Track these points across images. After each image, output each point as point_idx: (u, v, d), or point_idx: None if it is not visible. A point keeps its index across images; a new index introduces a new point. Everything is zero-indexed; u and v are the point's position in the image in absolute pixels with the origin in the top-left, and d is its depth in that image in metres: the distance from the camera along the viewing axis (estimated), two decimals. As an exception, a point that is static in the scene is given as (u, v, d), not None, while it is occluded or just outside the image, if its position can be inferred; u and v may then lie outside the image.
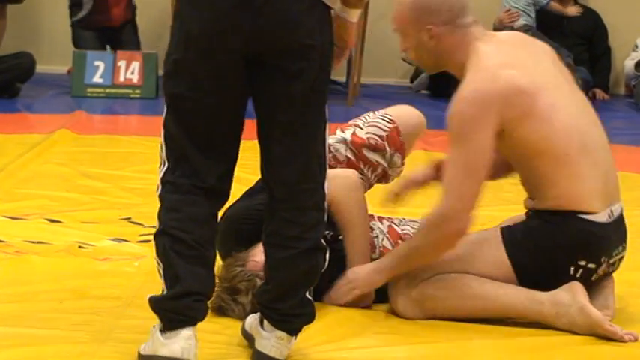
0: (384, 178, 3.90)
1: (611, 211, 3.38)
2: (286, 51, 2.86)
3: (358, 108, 7.68)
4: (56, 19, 8.34)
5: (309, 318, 3.00)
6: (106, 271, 3.75)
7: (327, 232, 3.28)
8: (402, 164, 3.96)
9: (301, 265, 2.95)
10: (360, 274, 3.48)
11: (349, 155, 3.69)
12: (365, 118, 3.90)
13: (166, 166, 2.91)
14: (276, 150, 2.95)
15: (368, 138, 3.76)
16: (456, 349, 3.22)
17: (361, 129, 3.67)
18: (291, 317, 2.98)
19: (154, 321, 2.84)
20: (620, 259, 3.47)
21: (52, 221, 4.36)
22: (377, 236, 3.81)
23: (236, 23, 2.81)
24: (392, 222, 3.93)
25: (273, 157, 2.97)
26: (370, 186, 3.96)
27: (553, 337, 3.26)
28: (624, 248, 3.46)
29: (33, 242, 4.07)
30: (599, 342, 3.20)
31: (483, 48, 3.40)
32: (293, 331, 2.97)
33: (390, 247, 3.79)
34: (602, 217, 3.34)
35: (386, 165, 3.86)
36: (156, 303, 2.85)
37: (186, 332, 2.81)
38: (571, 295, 3.27)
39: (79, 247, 4.02)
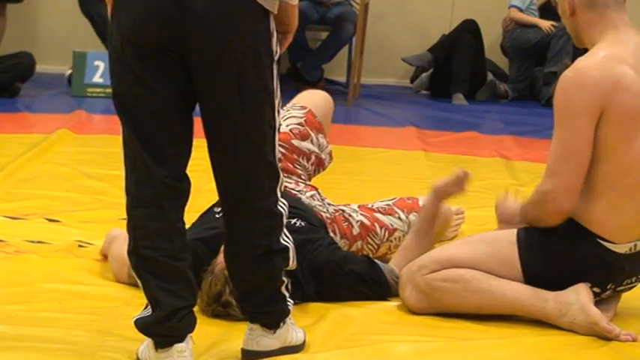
0: (320, 165, 3.99)
1: (635, 245, 3.36)
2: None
3: (358, 109, 7.78)
4: (56, 19, 8.36)
5: (281, 314, 3.02)
6: (105, 270, 3.75)
7: (295, 221, 3.39)
8: (328, 143, 4.05)
9: (257, 270, 2.97)
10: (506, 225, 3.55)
11: (282, 151, 3.68)
12: None
13: (124, 172, 2.91)
14: (218, 156, 2.97)
15: (291, 129, 3.84)
16: (457, 348, 3.22)
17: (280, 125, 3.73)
18: (259, 314, 3.01)
19: (152, 322, 2.91)
20: (631, 288, 3.47)
21: (52, 221, 4.37)
22: (350, 215, 3.87)
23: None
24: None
25: (216, 163, 2.97)
26: (310, 177, 4.03)
27: (555, 337, 3.27)
28: (639, 280, 3.46)
29: (32, 242, 4.07)
30: (600, 343, 3.21)
31: (610, 37, 3.33)
32: (269, 325, 3.00)
33: (366, 221, 3.86)
34: (621, 249, 3.33)
35: (316, 150, 3.95)
36: (142, 329, 2.88)
37: (178, 346, 2.85)
38: (575, 295, 3.28)
39: (79, 246, 4.02)
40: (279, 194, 2.96)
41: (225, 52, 2.81)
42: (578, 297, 3.27)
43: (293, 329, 3.07)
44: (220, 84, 2.85)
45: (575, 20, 3.39)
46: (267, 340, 3.00)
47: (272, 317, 3.01)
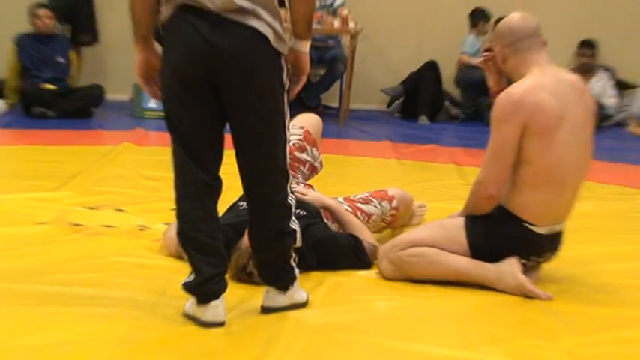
0: (313, 171, 3.94)
1: (553, 228, 3.36)
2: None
3: (347, 127, 7.69)
4: (120, 58, 8.27)
5: (290, 280, 3.02)
6: (160, 247, 3.73)
7: (299, 211, 3.31)
8: (320, 154, 4.01)
9: (272, 247, 2.97)
10: (455, 214, 3.54)
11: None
12: None
13: (174, 174, 2.90)
14: (243, 162, 2.93)
15: (293, 144, 3.76)
16: (420, 304, 3.22)
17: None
18: (274, 279, 3.01)
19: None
20: (548, 259, 3.47)
21: (119, 210, 4.35)
22: (341, 202, 3.89)
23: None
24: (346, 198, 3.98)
25: (242, 168, 2.94)
26: (306, 179, 4.01)
27: (493, 297, 3.27)
28: (554, 254, 3.45)
29: (104, 226, 4.06)
30: (526, 300, 3.23)
31: (535, 72, 3.31)
32: (281, 287, 3.01)
33: (350, 210, 3.85)
34: (542, 230, 3.33)
35: (311, 159, 3.91)
36: (187, 289, 2.89)
37: (214, 303, 2.85)
38: (508, 266, 3.29)
39: (140, 229, 4.02)
40: (288, 191, 2.95)
41: (248, 83, 2.78)
42: (511, 267, 3.29)
43: (299, 291, 3.07)
44: (244, 108, 2.81)
45: (508, 65, 3.39)
46: (279, 299, 3.01)
47: (283, 282, 3.01)
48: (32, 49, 7.57)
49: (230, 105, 2.83)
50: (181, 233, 2.92)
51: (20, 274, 3.34)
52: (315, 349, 2.75)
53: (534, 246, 3.38)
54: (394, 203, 3.97)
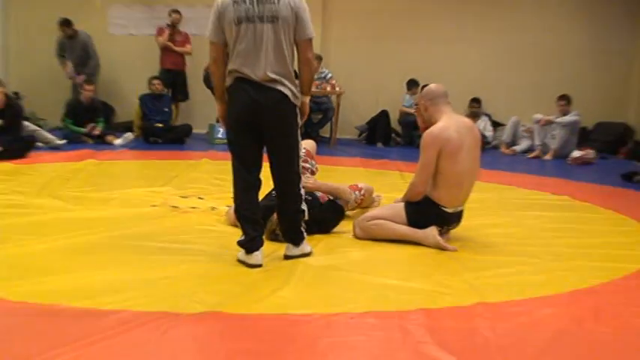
0: (313, 173, 3.88)
1: (457, 209, 3.36)
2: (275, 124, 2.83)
3: (335, 149, 7.55)
4: (200, 109, 8.30)
5: (301, 239, 3.01)
6: (224, 220, 3.69)
7: (307, 196, 3.28)
8: (316, 163, 3.95)
9: (291, 219, 2.97)
10: (399, 200, 3.48)
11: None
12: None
13: (233, 177, 2.90)
14: (274, 170, 2.93)
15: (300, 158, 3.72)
16: (378, 253, 3.19)
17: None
18: (292, 238, 3.00)
19: (246, 241, 2.85)
20: (454, 227, 3.44)
21: (199, 198, 4.30)
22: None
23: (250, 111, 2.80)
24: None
25: (274, 173, 2.95)
26: (312, 173, 3.97)
27: (421, 250, 3.24)
28: (458, 224, 3.43)
29: (191, 207, 4.02)
30: (441, 252, 3.21)
31: (444, 117, 3.31)
32: (295, 243, 3.00)
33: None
34: (450, 210, 3.33)
35: (310, 167, 3.84)
36: (240, 244, 2.89)
37: (255, 253, 2.85)
38: (430, 230, 3.28)
39: (212, 209, 3.97)
40: (300, 186, 2.95)
41: (277, 123, 2.81)
42: (432, 231, 3.28)
43: (306, 245, 3.05)
44: (276, 138, 2.84)
45: (428, 113, 3.37)
46: (294, 250, 3.00)
47: (297, 240, 3.00)
48: (149, 103, 7.60)
49: (267, 136, 2.84)
50: (237, 211, 2.93)
51: (140, 236, 3.33)
52: (316, 281, 2.74)
53: (446, 219, 3.36)
54: (362, 191, 3.92)
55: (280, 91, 2.76)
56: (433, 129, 3.29)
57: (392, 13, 8.39)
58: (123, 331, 2.11)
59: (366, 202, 4.01)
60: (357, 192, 3.91)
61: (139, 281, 2.63)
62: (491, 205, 4.42)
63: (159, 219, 3.74)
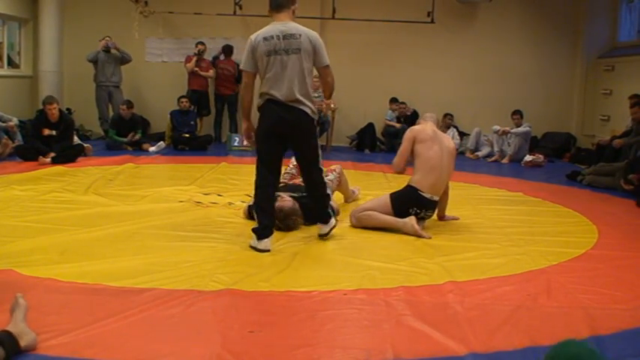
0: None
1: (432, 197, 3.34)
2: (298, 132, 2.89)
3: (330, 154, 7.42)
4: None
5: (329, 218, 3.04)
6: (240, 213, 3.64)
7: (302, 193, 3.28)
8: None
9: (320, 202, 3.02)
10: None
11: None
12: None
13: (255, 176, 2.91)
14: (301, 167, 3.00)
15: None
16: (361, 238, 3.14)
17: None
18: (322, 218, 3.03)
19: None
20: (430, 215, 3.42)
21: (219, 195, 4.25)
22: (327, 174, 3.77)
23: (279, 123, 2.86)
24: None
25: (302, 168, 3.01)
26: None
27: (404, 237, 3.21)
28: (433, 211, 3.42)
29: (212, 203, 3.97)
30: (418, 239, 3.17)
31: (423, 122, 3.50)
32: (325, 222, 3.02)
33: (331, 174, 3.77)
34: (427, 196, 3.31)
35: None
36: (254, 231, 2.87)
37: (265, 240, 2.83)
38: (409, 220, 3.26)
39: (229, 204, 3.92)
40: (324, 176, 3.02)
41: (301, 135, 2.89)
42: (411, 221, 3.26)
43: (332, 220, 3.07)
44: (300, 145, 2.94)
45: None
46: (325, 228, 3.03)
47: (326, 218, 3.03)
48: (178, 117, 7.53)
49: (293, 143, 2.92)
50: (255, 204, 2.93)
51: (169, 226, 3.29)
52: (314, 264, 2.72)
53: (423, 204, 3.33)
54: (337, 171, 3.87)
55: (302, 110, 2.84)
56: (414, 126, 3.48)
57: (377, 43, 8.37)
58: (156, 305, 2.09)
59: (344, 183, 3.96)
60: (333, 172, 3.86)
61: (168, 264, 2.59)
62: (459, 200, 4.37)
63: (185, 212, 3.70)
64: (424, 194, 3.31)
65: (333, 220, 3.05)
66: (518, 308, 2.19)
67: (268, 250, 2.81)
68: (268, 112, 2.83)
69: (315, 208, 3.03)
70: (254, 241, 2.85)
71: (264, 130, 2.86)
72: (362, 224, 3.34)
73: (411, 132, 3.40)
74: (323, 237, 3.00)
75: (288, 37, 2.78)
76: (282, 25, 2.81)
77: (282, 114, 2.80)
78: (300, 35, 2.79)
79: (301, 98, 2.82)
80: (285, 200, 3.22)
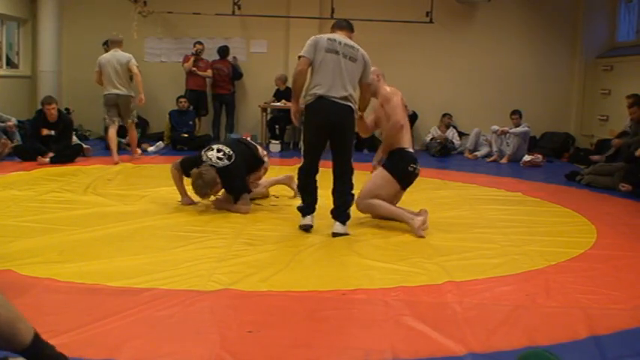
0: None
1: (413, 149, 3.46)
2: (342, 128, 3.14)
3: (329, 154, 7.47)
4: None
5: (348, 218, 3.21)
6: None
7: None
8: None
9: (343, 200, 3.19)
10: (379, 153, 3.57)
11: None
12: None
13: (303, 163, 3.20)
14: (336, 160, 3.21)
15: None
16: (365, 240, 3.10)
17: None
18: (341, 217, 3.18)
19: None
20: (418, 172, 3.44)
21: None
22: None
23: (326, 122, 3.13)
24: None
25: (336, 162, 3.20)
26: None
27: (403, 237, 3.20)
28: (417, 167, 3.43)
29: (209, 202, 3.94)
30: (420, 240, 3.17)
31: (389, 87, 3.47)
32: (343, 221, 3.19)
33: None
34: (410, 150, 3.41)
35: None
36: (299, 209, 3.24)
37: (308, 216, 3.20)
38: (417, 215, 3.31)
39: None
40: (352, 175, 3.23)
41: (345, 128, 3.16)
42: (419, 217, 3.29)
43: (347, 227, 3.19)
44: (342, 139, 3.17)
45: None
46: (341, 229, 3.17)
47: (345, 219, 3.19)
48: (176, 117, 7.54)
49: (335, 137, 3.16)
50: (300, 187, 3.26)
51: (167, 226, 3.29)
52: (312, 263, 2.71)
53: (411, 158, 3.39)
54: (265, 157, 3.99)
55: (349, 106, 3.15)
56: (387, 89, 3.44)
57: (376, 43, 8.23)
58: (154, 305, 2.09)
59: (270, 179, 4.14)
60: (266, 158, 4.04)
61: (166, 264, 2.58)
62: (458, 200, 4.38)
63: (183, 212, 3.68)
64: (409, 149, 3.43)
65: (347, 225, 3.18)
66: (516, 308, 2.19)
67: (310, 225, 3.15)
68: (319, 107, 3.11)
69: (337, 205, 3.18)
70: (301, 218, 3.19)
71: (315, 125, 3.13)
72: (370, 211, 3.45)
73: (393, 91, 3.42)
74: (335, 235, 3.15)
75: (349, 47, 3.19)
76: (344, 37, 3.24)
77: (331, 109, 3.09)
78: (358, 50, 3.22)
79: (350, 96, 3.13)
80: (209, 171, 3.47)
